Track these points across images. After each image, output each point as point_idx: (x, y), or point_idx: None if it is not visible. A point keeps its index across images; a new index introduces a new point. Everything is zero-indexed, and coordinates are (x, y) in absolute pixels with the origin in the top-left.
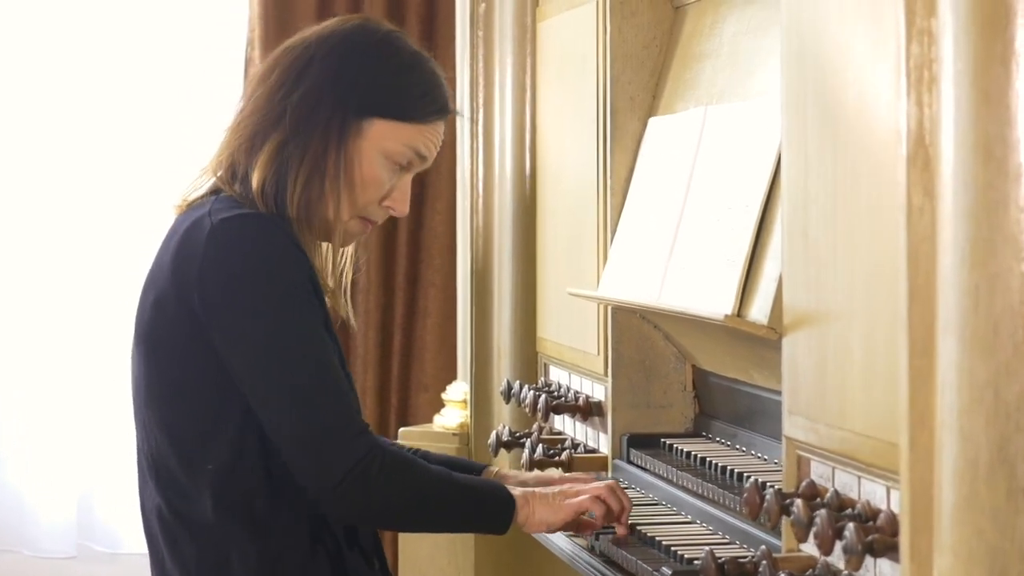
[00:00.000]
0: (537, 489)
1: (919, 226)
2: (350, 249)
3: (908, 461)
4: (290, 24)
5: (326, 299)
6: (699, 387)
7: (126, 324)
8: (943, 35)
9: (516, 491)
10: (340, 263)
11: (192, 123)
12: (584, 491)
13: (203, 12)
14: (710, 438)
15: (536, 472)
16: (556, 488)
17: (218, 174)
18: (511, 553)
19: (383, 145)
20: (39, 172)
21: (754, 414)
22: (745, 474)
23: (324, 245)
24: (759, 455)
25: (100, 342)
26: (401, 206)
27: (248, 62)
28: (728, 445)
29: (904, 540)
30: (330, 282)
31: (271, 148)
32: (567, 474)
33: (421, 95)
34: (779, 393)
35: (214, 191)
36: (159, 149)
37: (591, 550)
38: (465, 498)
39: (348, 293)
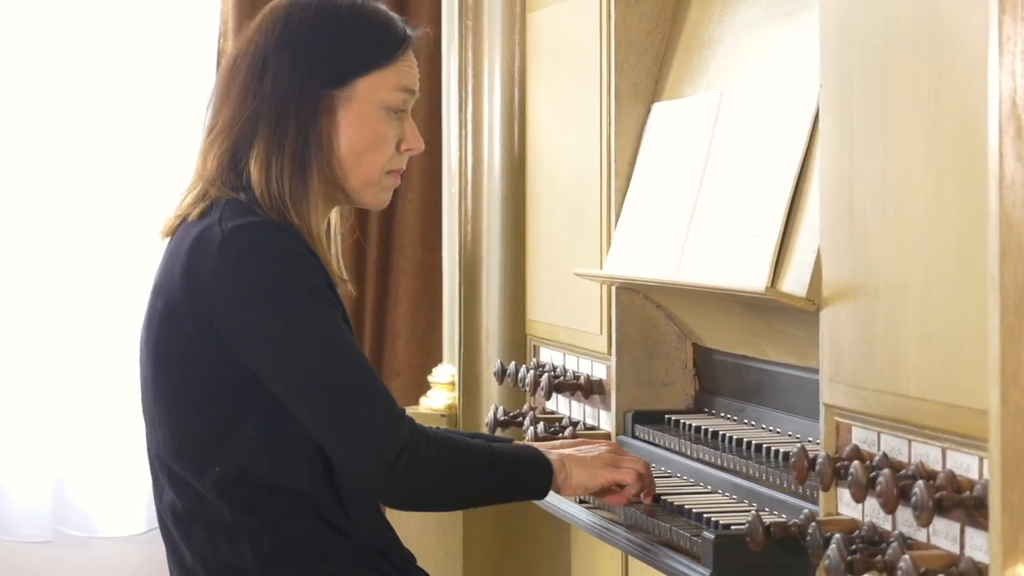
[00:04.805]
0: (573, 451)
1: (1011, 192)
2: (335, 215)
3: (999, 416)
4: None
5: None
6: (699, 365)
7: (100, 310)
8: None
9: (552, 455)
10: (332, 234)
11: (165, 115)
12: (624, 463)
13: (175, 4)
14: (713, 414)
15: (564, 440)
16: (594, 451)
17: (214, 185)
18: (498, 531)
19: (376, 98)
20: (6, 163)
21: (762, 388)
22: (765, 446)
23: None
24: (769, 428)
25: (73, 327)
26: (417, 143)
27: (220, 54)
28: (734, 420)
29: (995, 492)
30: (331, 248)
31: (259, 150)
32: (601, 441)
33: (381, 36)
34: (791, 367)
35: (214, 198)
36: (130, 140)
37: (620, 522)
38: (508, 466)
39: (340, 256)
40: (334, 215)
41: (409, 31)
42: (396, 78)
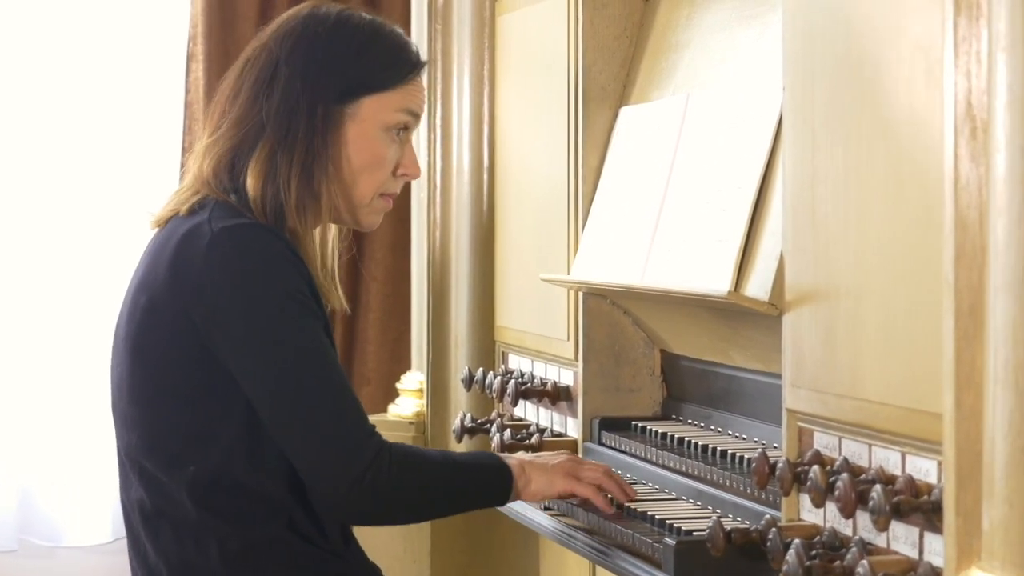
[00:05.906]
0: (532, 457)
1: (965, 193)
2: (334, 233)
3: (954, 418)
4: (232, 21)
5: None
6: (667, 371)
7: (66, 319)
8: (997, 6)
9: (511, 460)
10: (329, 249)
11: (136, 118)
12: (583, 474)
13: (144, 8)
14: (680, 420)
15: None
16: (554, 459)
17: (207, 185)
18: (466, 539)
19: (379, 119)
20: None
21: (729, 395)
22: (730, 452)
23: (316, 236)
24: (735, 434)
25: (39, 336)
26: (413, 169)
27: (189, 58)
28: (701, 426)
29: (949, 494)
30: (322, 269)
31: (260, 156)
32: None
33: (395, 59)
34: (757, 373)
35: (204, 198)
36: (98, 144)
37: (583, 529)
38: (468, 474)
39: (336, 277)
40: (332, 230)
41: (422, 57)
42: (402, 100)
